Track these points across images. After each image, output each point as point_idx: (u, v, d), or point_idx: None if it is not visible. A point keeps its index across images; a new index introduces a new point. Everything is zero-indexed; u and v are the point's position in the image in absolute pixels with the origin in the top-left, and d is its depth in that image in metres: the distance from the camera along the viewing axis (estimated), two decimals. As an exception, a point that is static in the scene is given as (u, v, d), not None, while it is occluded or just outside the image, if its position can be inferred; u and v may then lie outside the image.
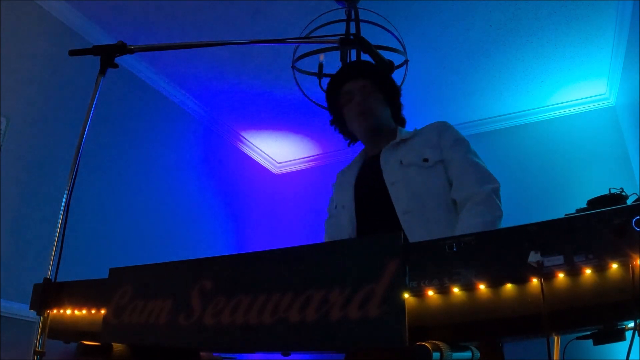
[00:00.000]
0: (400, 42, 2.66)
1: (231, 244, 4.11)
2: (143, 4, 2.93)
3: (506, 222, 1.48)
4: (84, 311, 1.25)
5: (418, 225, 1.52)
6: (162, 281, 1.12)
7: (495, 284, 0.81)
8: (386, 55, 2.27)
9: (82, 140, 1.32)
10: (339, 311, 0.87)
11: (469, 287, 0.82)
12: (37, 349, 1.13)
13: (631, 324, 0.77)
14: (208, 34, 3.14)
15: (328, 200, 1.88)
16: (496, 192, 1.54)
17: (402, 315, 0.81)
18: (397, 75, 1.98)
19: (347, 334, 0.85)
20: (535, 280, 0.78)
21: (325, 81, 2.65)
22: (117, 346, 1.11)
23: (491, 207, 1.50)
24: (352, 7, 2.68)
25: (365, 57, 1.94)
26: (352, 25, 2.69)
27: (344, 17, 2.71)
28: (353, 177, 1.76)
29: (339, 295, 0.88)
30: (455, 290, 0.83)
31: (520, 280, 0.79)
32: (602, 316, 0.77)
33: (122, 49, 1.38)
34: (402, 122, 1.84)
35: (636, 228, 0.73)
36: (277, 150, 4.63)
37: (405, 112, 1.87)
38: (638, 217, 0.73)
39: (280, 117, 4.08)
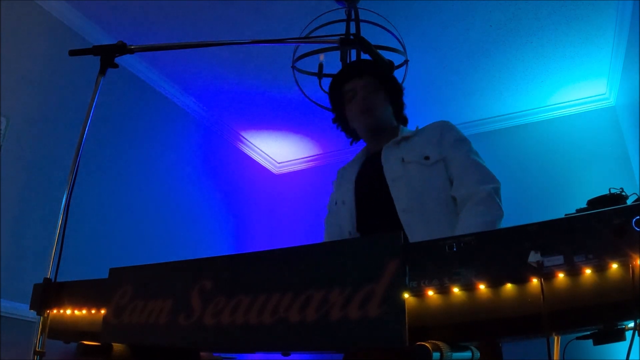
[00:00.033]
0: (400, 42, 2.66)
1: (231, 244, 4.11)
2: (143, 4, 2.94)
3: (506, 222, 1.49)
4: (84, 311, 1.25)
5: (418, 222, 1.52)
6: (162, 281, 1.12)
7: (495, 284, 0.81)
8: (386, 55, 2.27)
9: (82, 140, 1.32)
10: (339, 311, 0.87)
11: (469, 287, 0.82)
12: (37, 349, 1.13)
13: (631, 324, 0.77)
14: (208, 34, 3.14)
15: (328, 200, 1.88)
16: (497, 191, 1.54)
17: (402, 315, 0.81)
18: (397, 75, 1.98)
19: (347, 334, 0.85)
20: (535, 280, 0.78)
21: (325, 81, 2.65)
22: (117, 346, 1.11)
23: (492, 206, 1.50)
24: (352, 7, 2.68)
25: (365, 57, 1.94)
26: (352, 25, 2.69)
27: (344, 17, 2.71)
28: (354, 173, 1.76)
29: (339, 295, 0.88)
30: (455, 290, 0.83)
31: (520, 280, 0.79)
32: (602, 316, 0.77)
33: (122, 49, 1.38)
34: (404, 121, 1.85)
35: (636, 228, 0.73)
36: (277, 150, 4.63)
37: (406, 112, 1.87)
38: (638, 217, 0.73)
39: (280, 117, 4.08)
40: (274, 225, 4.63)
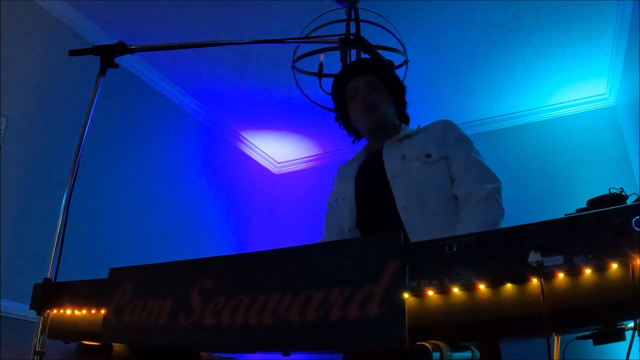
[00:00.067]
0: (400, 42, 2.66)
1: (231, 244, 4.11)
2: (143, 4, 2.94)
3: (506, 222, 1.49)
4: (84, 311, 1.25)
5: (418, 219, 1.52)
6: (162, 281, 1.12)
7: (495, 284, 0.81)
8: (386, 55, 2.27)
9: (82, 140, 1.32)
10: (339, 311, 0.87)
11: (469, 287, 0.82)
12: (37, 349, 1.13)
13: (631, 324, 0.77)
14: (208, 34, 3.14)
15: (328, 199, 1.88)
16: (498, 191, 1.54)
17: (402, 315, 0.81)
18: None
19: (347, 334, 0.85)
20: (535, 280, 0.78)
21: (325, 81, 2.65)
22: (117, 346, 1.11)
23: (493, 206, 1.50)
24: (352, 7, 2.68)
25: (366, 57, 1.94)
26: (352, 25, 2.69)
27: (344, 17, 2.71)
28: (354, 170, 1.76)
29: (339, 295, 0.88)
30: (455, 290, 0.83)
31: (520, 280, 0.79)
32: (602, 316, 0.77)
33: (122, 49, 1.38)
34: (406, 120, 1.85)
35: (636, 228, 0.73)
36: (277, 150, 4.63)
37: (406, 112, 1.88)
38: (638, 217, 0.73)
39: (280, 117, 4.08)
40: (274, 225, 4.63)
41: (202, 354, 1.23)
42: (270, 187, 4.78)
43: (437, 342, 0.79)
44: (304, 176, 4.73)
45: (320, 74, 2.59)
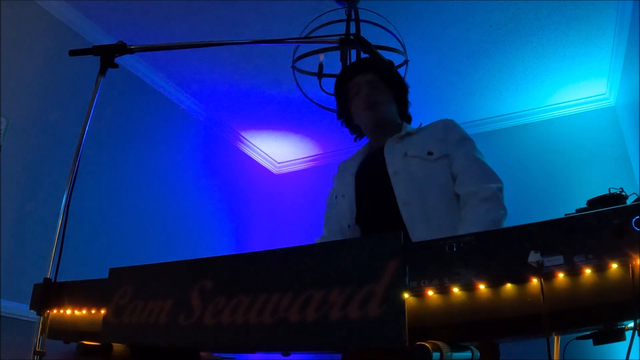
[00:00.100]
0: (400, 42, 2.66)
1: (231, 244, 4.11)
2: (143, 4, 2.94)
3: (506, 222, 1.49)
4: (84, 311, 1.25)
5: (418, 216, 1.52)
6: (162, 281, 1.12)
7: (495, 284, 0.81)
8: (386, 55, 2.27)
9: (82, 140, 1.32)
10: (339, 311, 0.87)
11: (469, 287, 0.82)
12: (37, 349, 1.13)
13: (631, 324, 0.77)
14: (208, 34, 3.14)
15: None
16: (501, 191, 1.55)
17: (402, 315, 0.81)
18: (397, 75, 1.98)
19: (347, 334, 0.85)
20: (535, 280, 0.78)
21: (325, 81, 2.65)
22: (117, 346, 1.11)
23: (497, 205, 1.50)
24: (352, 7, 2.68)
25: (366, 57, 1.94)
26: (352, 25, 2.69)
27: (344, 17, 2.71)
28: (355, 167, 1.76)
29: (339, 295, 0.88)
30: (455, 290, 0.83)
31: (520, 280, 0.79)
32: (602, 316, 0.77)
33: (122, 49, 1.38)
34: (408, 119, 1.86)
35: (636, 228, 0.73)
36: (277, 150, 4.63)
37: (406, 112, 1.88)
38: (638, 217, 0.73)
39: (280, 117, 4.08)
40: (274, 225, 4.63)
41: (202, 354, 1.23)
42: (270, 187, 4.78)
43: (437, 342, 0.79)
44: (304, 176, 4.72)
45: (320, 74, 2.59)
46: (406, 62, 2.62)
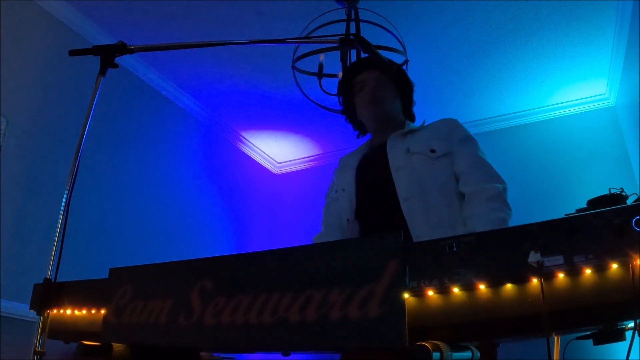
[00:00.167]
0: (400, 42, 2.66)
1: (231, 244, 4.11)
2: (143, 4, 2.93)
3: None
4: (84, 311, 1.25)
5: (419, 211, 1.52)
6: (162, 281, 1.12)
7: (495, 284, 0.81)
8: (386, 55, 2.27)
9: (82, 140, 1.32)
10: (339, 311, 0.87)
11: (469, 287, 0.82)
12: (37, 349, 1.13)
13: (631, 324, 0.77)
14: (208, 34, 3.14)
15: (328, 200, 1.87)
16: (505, 192, 1.55)
17: (402, 315, 0.81)
18: (397, 75, 1.98)
19: (347, 334, 0.85)
20: (535, 280, 0.78)
21: (325, 81, 2.65)
22: (117, 346, 1.11)
23: (503, 204, 1.51)
24: (352, 7, 2.68)
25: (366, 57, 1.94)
26: (352, 25, 2.69)
27: (344, 17, 2.71)
28: (356, 161, 1.76)
29: (339, 295, 0.88)
30: (455, 290, 0.83)
31: (520, 280, 0.79)
32: (602, 316, 0.77)
33: (122, 49, 1.38)
34: (411, 117, 1.86)
35: (636, 228, 0.73)
36: (277, 150, 4.63)
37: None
38: (638, 217, 0.73)
39: (280, 117, 4.08)
40: (274, 225, 4.63)
41: (202, 354, 1.23)
42: (270, 187, 4.78)
43: (437, 342, 0.79)
44: (304, 176, 4.72)
45: (320, 74, 2.59)
46: (406, 62, 2.62)
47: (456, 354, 0.82)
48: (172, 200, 3.58)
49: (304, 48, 2.68)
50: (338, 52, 2.61)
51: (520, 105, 3.91)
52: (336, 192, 1.78)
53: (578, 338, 0.92)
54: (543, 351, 0.80)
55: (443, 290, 0.84)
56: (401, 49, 2.63)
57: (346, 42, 1.40)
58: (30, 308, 1.29)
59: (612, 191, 0.98)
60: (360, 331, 0.84)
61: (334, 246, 0.98)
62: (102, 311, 1.18)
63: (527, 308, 0.79)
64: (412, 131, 1.71)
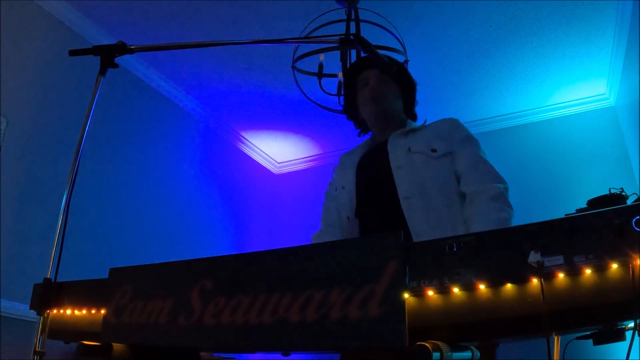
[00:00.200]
0: (400, 42, 2.66)
1: (231, 244, 4.11)
2: (143, 4, 2.93)
3: (506, 222, 1.48)
4: (84, 311, 1.25)
5: (419, 211, 1.52)
6: (162, 281, 1.12)
7: (495, 284, 0.81)
8: (387, 54, 2.26)
9: (82, 140, 1.32)
10: (339, 311, 0.87)
11: (469, 287, 0.82)
12: (37, 349, 1.13)
13: (631, 324, 0.77)
14: (208, 34, 3.14)
15: (328, 200, 1.87)
16: (507, 192, 1.55)
17: (402, 315, 0.81)
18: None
19: (347, 334, 0.85)
20: (535, 280, 0.78)
21: (325, 81, 2.65)
22: (117, 346, 1.11)
23: (506, 204, 1.51)
24: (352, 7, 2.68)
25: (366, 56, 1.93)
26: (352, 25, 2.69)
27: (344, 17, 2.71)
28: (357, 159, 1.76)
29: (339, 295, 0.88)
30: (455, 290, 0.83)
31: (520, 280, 0.79)
32: (602, 316, 0.77)
33: (122, 49, 1.38)
34: (413, 117, 1.86)
35: (636, 228, 0.73)
36: (277, 150, 4.63)
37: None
38: (638, 217, 0.73)
39: (280, 117, 4.08)
40: (273, 225, 4.63)
41: (202, 354, 1.23)
42: (270, 187, 4.78)
43: (437, 342, 0.79)
44: (304, 176, 4.72)
45: (320, 74, 2.59)
46: (406, 62, 2.62)
47: (456, 354, 0.82)
48: (172, 200, 3.58)
49: (304, 48, 2.68)
50: (338, 52, 2.61)
51: (520, 105, 3.91)
52: (336, 189, 1.78)
53: (578, 338, 0.92)
54: (543, 351, 0.80)
55: (443, 290, 0.84)
56: (401, 49, 2.63)
57: (346, 42, 1.40)
58: (30, 308, 1.29)
59: (612, 191, 0.98)
60: (360, 331, 0.84)
61: (334, 246, 0.98)
62: (102, 311, 1.18)
63: (527, 308, 0.79)
64: (414, 130, 1.71)
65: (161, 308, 1.08)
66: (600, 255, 0.75)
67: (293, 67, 2.69)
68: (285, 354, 0.98)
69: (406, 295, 0.84)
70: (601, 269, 0.75)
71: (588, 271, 0.76)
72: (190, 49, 3.27)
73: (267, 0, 2.90)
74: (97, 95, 1.34)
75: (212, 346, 1.03)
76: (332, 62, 2.81)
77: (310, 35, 2.62)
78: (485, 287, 0.81)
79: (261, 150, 4.61)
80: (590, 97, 3.79)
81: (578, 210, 0.95)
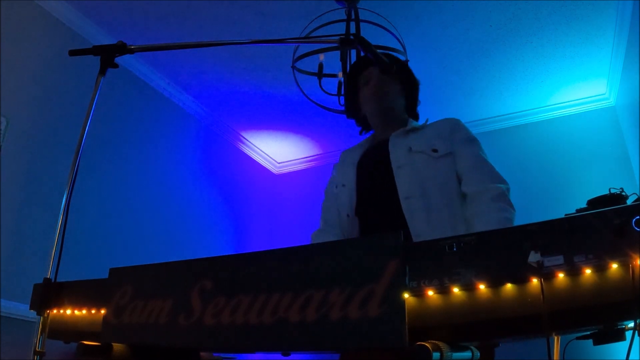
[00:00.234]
0: (400, 42, 2.66)
1: (231, 244, 4.11)
2: (143, 4, 2.93)
3: (506, 222, 1.48)
4: (84, 311, 1.25)
5: (419, 210, 1.52)
6: (162, 281, 1.12)
7: (495, 284, 0.81)
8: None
9: (82, 140, 1.32)
10: (339, 311, 0.87)
11: (469, 287, 0.82)
12: (37, 349, 1.13)
13: (631, 324, 0.77)
14: (208, 34, 3.14)
15: (328, 200, 1.87)
16: (509, 192, 1.55)
17: (402, 315, 0.81)
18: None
19: (347, 334, 0.85)
20: (535, 280, 0.78)
21: (325, 81, 2.65)
22: (117, 346, 1.11)
23: (509, 204, 1.51)
24: (352, 7, 2.68)
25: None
26: (352, 25, 2.69)
27: (344, 17, 2.71)
28: (357, 156, 1.76)
29: (339, 295, 0.88)
30: (455, 290, 0.83)
31: (520, 280, 0.79)
32: (602, 316, 0.77)
33: (122, 49, 1.38)
34: (415, 116, 1.86)
35: (636, 228, 0.73)
36: (277, 150, 4.63)
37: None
38: (638, 217, 0.73)
39: (280, 117, 4.08)
40: (273, 225, 4.63)
41: (202, 354, 1.23)
42: (270, 187, 4.78)
43: (437, 342, 0.79)
44: (304, 176, 4.72)
45: (320, 74, 2.59)
46: (406, 62, 2.62)
47: (456, 354, 0.82)
48: (172, 200, 3.58)
49: (304, 48, 2.68)
50: (338, 52, 2.61)
51: (520, 105, 3.91)
52: (336, 187, 1.78)
53: (578, 338, 0.91)
54: (543, 351, 0.80)
55: (443, 290, 0.84)
56: (401, 49, 2.63)
57: (346, 42, 1.40)
58: (30, 308, 1.29)
59: (612, 191, 0.98)
60: (360, 331, 0.84)
61: (334, 246, 0.98)
62: (102, 311, 1.18)
63: (527, 308, 0.79)
64: (415, 129, 1.71)
65: (161, 308, 1.08)
66: (600, 255, 0.75)
67: (293, 67, 2.69)
68: (285, 354, 0.98)
69: (406, 295, 0.84)
70: (601, 269, 0.75)
71: (588, 271, 0.76)
72: (190, 49, 3.27)
73: (267, 0, 2.90)
74: (97, 95, 1.34)
75: (212, 346, 1.03)
76: (332, 62, 2.81)
77: (310, 35, 2.62)
78: (485, 287, 0.81)
79: (261, 150, 4.61)
80: (590, 97, 3.79)
81: (578, 210, 0.95)
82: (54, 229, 1.22)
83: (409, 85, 1.82)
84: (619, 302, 0.75)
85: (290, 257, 0.97)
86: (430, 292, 0.85)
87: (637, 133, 3.08)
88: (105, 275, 1.21)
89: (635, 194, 0.97)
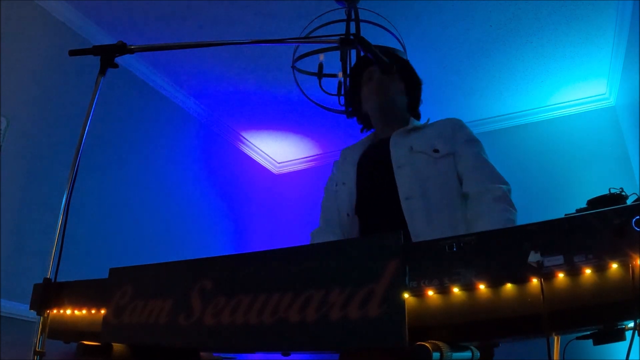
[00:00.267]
0: (400, 42, 2.66)
1: (231, 244, 4.11)
2: (143, 4, 2.94)
3: (507, 222, 1.48)
4: (84, 311, 1.25)
5: (419, 211, 1.52)
6: (162, 281, 1.12)
7: (495, 284, 0.81)
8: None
9: (82, 140, 1.32)
10: (339, 311, 0.87)
11: (469, 287, 0.82)
12: (37, 349, 1.13)
13: (631, 324, 0.77)
14: (209, 33, 3.14)
15: (328, 200, 1.86)
16: (510, 193, 1.55)
17: (402, 315, 0.81)
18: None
19: (347, 334, 0.85)
20: (535, 280, 0.78)
21: (325, 81, 2.65)
22: (117, 346, 1.11)
23: (511, 205, 1.51)
24: (352, 7, 2.68)
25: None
26: (352, 25, 2.69)
27: (344, 17, 2.71)
28: (358, 155, 1.76)
29: (339, 295, 0.88)
30: (455, 290, 0.83)
31: (520, 280, 0.79)
32: (602, 316, 0.77)
33: (122, 49, 1.38)
34: (417, 116, 1.86)
35: (636, 228, 0.73)
36: (277, 150, 4.63)
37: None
38: (638, 217, 0.73)
39: (280, 117, 4.08)
40: (273, 225, 4.63)
41: (202, 354, 1.23)
42: (270, 187, 4.78)
43: (437, 342, 0.79)
44: (304, 176, 4.73)
45: (320, 74, 2.59)
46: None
47: (456, 354, 0.82)
48: (171, 200, 3.58)
49: (304, 48, 2.68)
50: (338, 52, 2.61)
51: (520, 105, 3.91)
52: (336, 185, 1.77)
53: (578, 338, 0.91)
54: (543, 351, 0.80)
55: (443, 290, 0.84)
56: (401, 49, 2.63)
57: (346, 42, 1.40)
58: (30, 308, 1.29)
59: (612, 191, 0.98)
60: (360, 331, 0.84)
61: (334, 246, 0.98)
62: (102, 311, 1.18)
63: (527, 308, 0.79)
64: (416, 129, 1.70)
65: (161, 308, 1.08)
66: (600, 255, 0.75)
67: (293, 67, 2.69)
68: (285, 354, 0.98)
69: (406, 295, 0.84)
70: (601, 269, 0.75)
71: (588, 271, 0.76)
72: (190, 49, 3.27)
73: (267, 0, 2.90)
74: (97, 95, 1.34)
75: (212, 346, 1.03)
76: (332, 62, 2.81)
77: (310, 35, 2.62)
78: (485, 287, 0.81)
79: (261, 150, 4.61)
80: (590, 97, 3.79)
81: (578, 210, 0.95)
82: (54, 229, 1.22)
83: (411, 84, 1.82)
84: (619, 302, 0.75)
85: (290, 257, 0.97)
86: (430, 292, 0.85)
87: (637, 133, 3.08)
88: (105, 275, 1.21)
89: (635, 194, 0.97)
